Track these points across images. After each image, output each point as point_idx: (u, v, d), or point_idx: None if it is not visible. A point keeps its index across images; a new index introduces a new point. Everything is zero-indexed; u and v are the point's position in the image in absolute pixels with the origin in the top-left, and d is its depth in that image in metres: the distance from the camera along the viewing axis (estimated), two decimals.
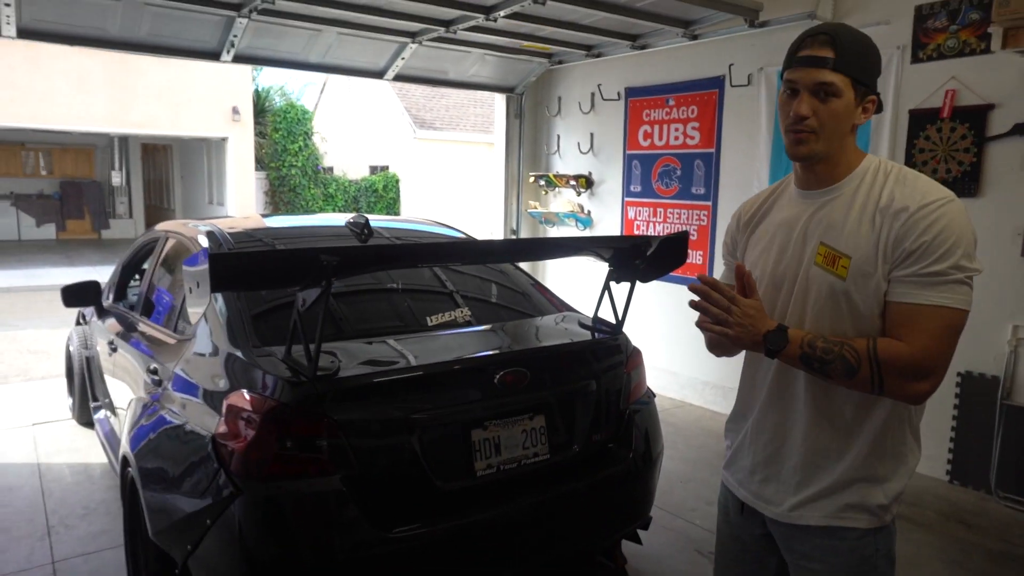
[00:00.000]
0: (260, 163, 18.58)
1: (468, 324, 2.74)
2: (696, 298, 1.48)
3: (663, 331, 5.55)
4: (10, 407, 5.23)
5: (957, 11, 3.97)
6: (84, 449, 4.43)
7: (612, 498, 2.63)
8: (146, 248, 4.07)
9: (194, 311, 2.71)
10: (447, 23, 5.02)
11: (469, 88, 6.91)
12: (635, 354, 2.84)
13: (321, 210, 19.02)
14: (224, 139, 16.64)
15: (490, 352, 2.51)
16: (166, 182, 22.11)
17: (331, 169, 21.49)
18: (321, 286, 1.94)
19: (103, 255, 16.06)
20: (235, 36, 4.84)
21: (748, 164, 5.14)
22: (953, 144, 4.04)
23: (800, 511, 1.54)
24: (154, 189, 22.53)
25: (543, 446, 2.42)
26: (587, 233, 6.44)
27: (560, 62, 6.45)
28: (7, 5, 4.06)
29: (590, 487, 2.52)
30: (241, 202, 16.58)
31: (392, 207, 19.48)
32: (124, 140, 19.69)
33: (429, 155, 19.51)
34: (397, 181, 19.89)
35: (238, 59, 5.18)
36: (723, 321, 1.43)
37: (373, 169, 21.10)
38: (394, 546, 2.07)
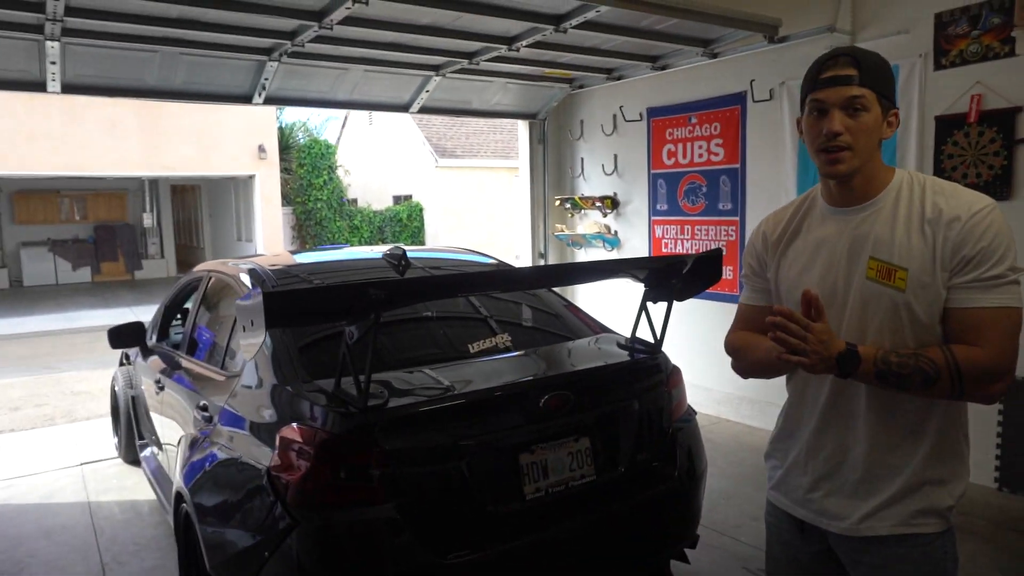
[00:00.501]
0: (286, 198, 18.94)
1: (508, 350, 2.78)
2: (775, 331, 1.44)
3: (696, 347, 5.53)
4: (58, 447, 5.36)
5: (978, 16, 3.98)
6: (132, 487, 4.52)
7: (659, 517, 2.64)
8: (188, 287, 4.18)
9: (243, 348, 2.79)
10: (470, 55, 5.13)
11: (492, 116, 7.03)
12: (675, 372, 2.86)
13: (347, 242, 19.29)
14: (251, 176, 17.03)
15: (533, 377, 2.55)
16: (195, 221, 22.64)
17: (355, 201, 21.83)
18: (370, 319, 2.01)
19: (137, 295, 16.43)
20: (266, 79, 5.00)
21: (774, 177, 5.15)
22: (982, 148, 4.02)
23: (870, 522, 1.54)
24: (184, 228, 23.07)
25: (589, 467, 2.44)
26: (615, 253, 6.48)
27: (581, 86, 6.54)
28: (52, 63, 4.25)
29: (637, 507, 2.53)
30: (269, 237, 16.91)
31: (417, 236, 19.70)
32: (155, 183, 20.24)
33: (451, 183, 19.75)
34: (421, 210, 20.13)
35: (269, 101, 5.33)
36: (800, 351, 1.42)
37: (396, 199, 21.39)
38: (450, 572, 2.10)
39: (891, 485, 1.52)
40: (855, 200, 1.55)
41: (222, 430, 2.62)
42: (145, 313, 4.36)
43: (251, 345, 2.03)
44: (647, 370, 2.73)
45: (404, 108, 6.01)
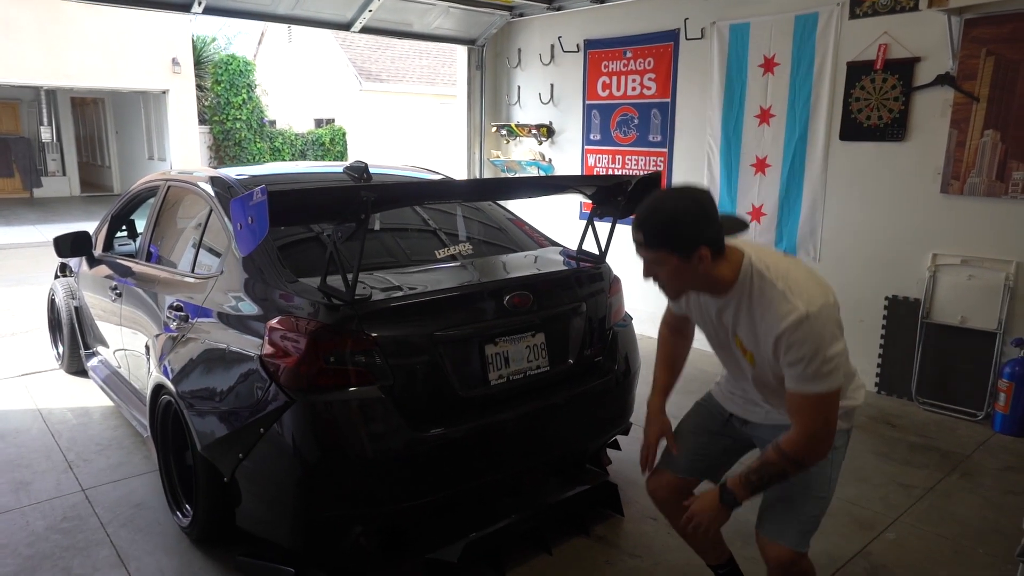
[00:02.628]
0: (202, 117, 18.08)
1: (470, 257, 3.06)
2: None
3: (632, 272, 5.97)
4: None
5: None
6: (80, 395, 4.59)
7: (600, 405, 3.04)
8: (139, 198, 4.21)
9: (219, 249, 2.95)
10: None
11: (432, 40, 7.06)
12: (616, 281, 3.23)
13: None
14: (164, 92, 16.16)
15: (499, 278, 2.85)
16: (99, 138, 21.29)
17: (274, 123, 21.06)
18: (359, 220, 2.24)
19: (40, 214, 15.55)
20: None
21: (701, 113, 5.53)
22: (884, 94, 4.50)
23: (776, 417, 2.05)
24: (87, 145, 21.67)
25: (544, 359, 2.79)
26: None
27: (521, 14, 6.66)
28: None
29: (582, 395, 2.91)
30: (185, 157, 16.23)
31: (341, 160, 19.32)
32: (52, 93, 18.83)
33: (375, 108, 19.34)
34: (344, 134, 19.68)
35: (208, 11, 5.23)
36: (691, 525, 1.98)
37: (318, 122, 20.80)
38: (429, 445, 2.42)
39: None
40: (716, 295, 1.91)
41: (203, 325, 2.81)
42: (51, 233, 4.30)
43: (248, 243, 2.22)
44: (592, 278, 3.08)
45: (346, 27, 5.99)
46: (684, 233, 1.76)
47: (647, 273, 1.86)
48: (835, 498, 3.15)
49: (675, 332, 2.32)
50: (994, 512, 3.24)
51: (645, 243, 1.80)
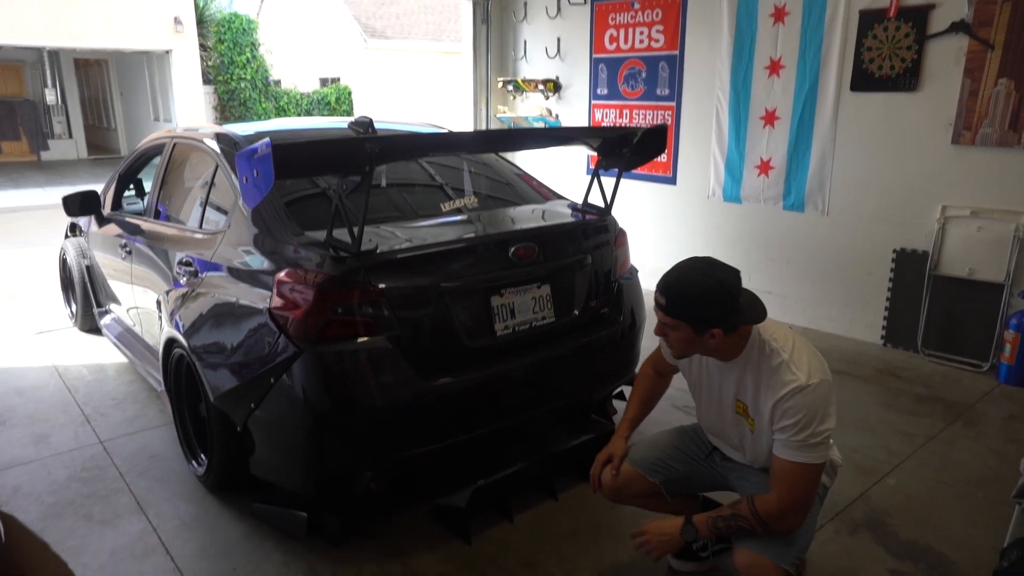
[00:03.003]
0: (206, 77, 17.94)
1: (476, 209, 3.07)
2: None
3: (637, 225, 5.96)
4: (6, 321, 5.38)
5: None
6: (94, 352, 4.67)
7: (605, 356, 3.07)
8: (146, 156, 4.22)
9: (226, 204, 2.97)
10: None
11: None
12: (621, 234, 3.23)
13: None
14: (167, 52, 16.00)
15: (505, 230, 2.86)
16: (104, 100, 21.19)
17: (279, 82, 20.86)
18: (364, 173, 2.25)
19: (48, 176, 15.58)
20: None
21: (710, 65, 5.45)
22: (897, 43, 4.41)
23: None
24: (92, 107, 21.58)
25: (549, 311, 2.82)
26: None
27: None
28: None
29: (588, 346, 2.94)
30: (190, 118, 16.14)
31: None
32: (55, 55, 18.69)
33: (381, 65, 19.11)
34: (349, 93, 19.49)
35: None
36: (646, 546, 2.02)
37: (323, 81, 20.60)
38: (437, 394, 2.46)
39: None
40: (723, 359, 2.01)
41: (212, 280, 2.85)
42: (59, 195, 4.33)
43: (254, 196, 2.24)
44: (598, 230, 3.08)
45: None
46: (703, 315, 1.88)
47: (659, 331, 1.98)
48: (837, 446, 3.20)
49: (658, 374, 2.41)
50: (996, 459, 3.28)
51: (664, 309, 1.92)
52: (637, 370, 3.27)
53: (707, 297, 1.86)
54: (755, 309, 1.92)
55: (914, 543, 2.65)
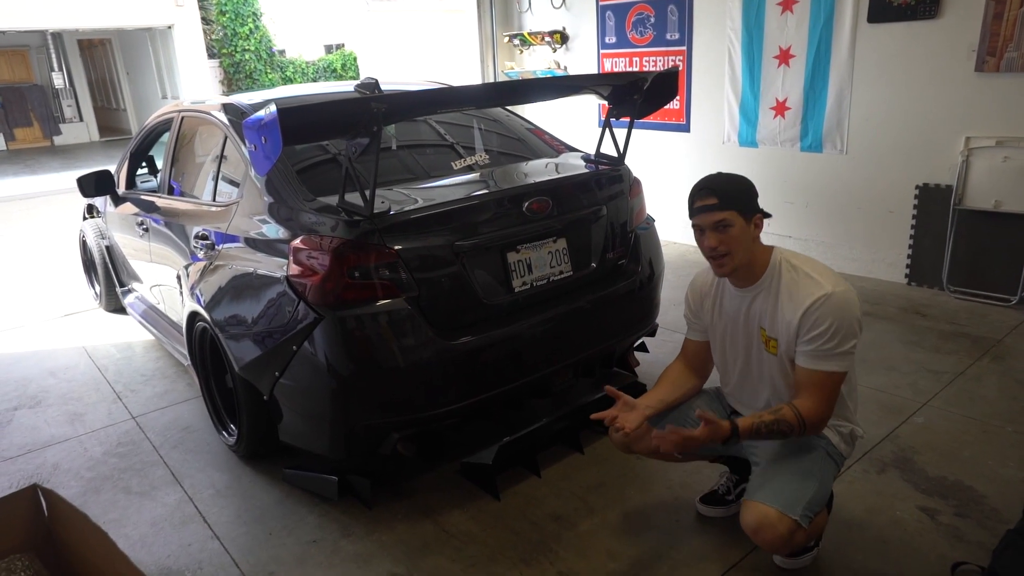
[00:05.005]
0: (211, 51, 17.80)
1: (488, 166, 3.03)
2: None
3: (650, 175, 5.88)
4: (30, 304, 5.47)
5: None
6: (121, 332, 4.75)
7: (625, 308, 3.05)
8: (155, 132, 4.21)
9: (237, 175, 2.96)
10: None
11: None
12: (636, 183, 3.18)
13: None
14: (169, 27, 15.88)
15: (516, 185, 2.82)
16: (111, 80, 21.16)
17: (283, 52, 20.65)
18: (372, 133, 2.22)
19: (63, 161, 15.69)
20: None
21: (720, 5, 5.29)
22: None
23: None
24: (101, 89, 21.58)
25: (567, 264, 2.80)
26: None
27: None
28: None
29: (607, 298, 2.92)
30: (197, 93, 16.08)
31: None
32: (59, 36, 18.65)
33: (385, 27, 18.78)
34: (355, 59, 19.25)
35: None
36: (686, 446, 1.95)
37: (328, 48, 20.37)
38: (458, 353, 2.47)
39: None
40: (746, 284, 2.06)
41: (228, 251, 2.86)
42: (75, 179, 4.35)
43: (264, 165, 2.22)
44: (612, 180, 3.04)
45: None
46: (748, 197, 1.98)
47: (711, 243, 1.96)
48: (863, 387, 3.19)
49: (688, 368, 2.34)
50: None
51: (719, 205, 1.93)
52: (657, 321, 3.28)
53: (743, 184, 2.00)
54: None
55: (943, 479, 2.64)
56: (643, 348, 3.54)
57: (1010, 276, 4.25)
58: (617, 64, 6.17)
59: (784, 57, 4.97)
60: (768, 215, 2.02)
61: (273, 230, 2.63)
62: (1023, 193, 4.12)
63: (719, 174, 2.03)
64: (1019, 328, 3.95)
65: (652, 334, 3.34)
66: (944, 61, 4.26)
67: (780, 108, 5.08)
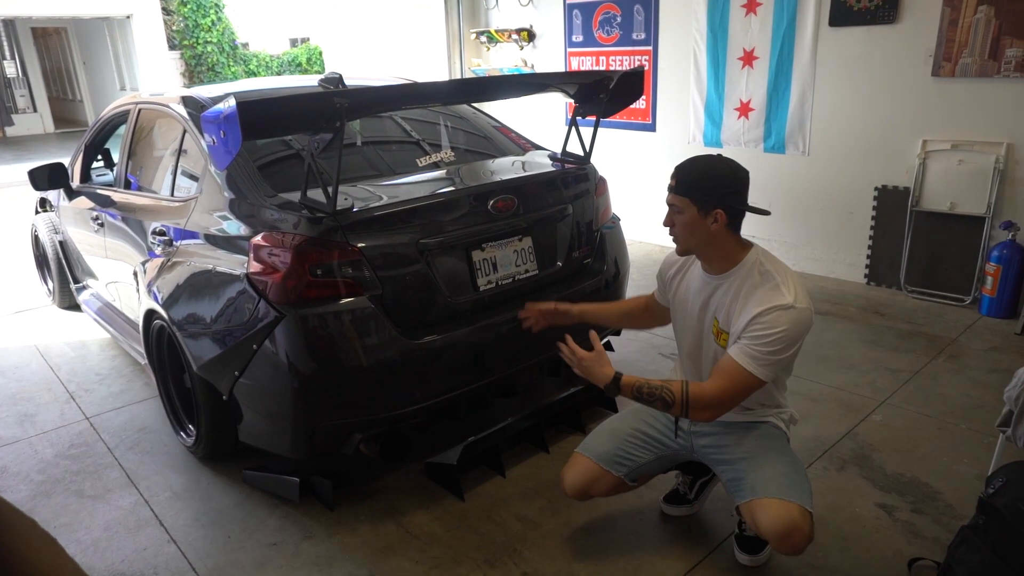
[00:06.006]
0: (171, 42, 17.38)
1: (452, 163, 3.01)
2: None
3: (616, 174, 5.90)
4: None
5: None
6: (75, 329, 4.61)
7: None
8: (111, 124, 4.09)
9: (196, 170, 2.89)
10: None
11: None
12: (602, 182, 3.18)
13: None
14: (128, 16, 15.46)
15: (481, 183, 2.80)
16: (67, 70, 20.54)
17: (247, 45, 20.26)
18: (335, 128, 2.18)
19: (16, 152, 15.18)
20: None
21: (686, 6, 5.33)
22: None
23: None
24: (56, 79, 20.94)
25: (532, 263, 2.79)
26: None
27: None
28: None
29: (572, 297, 2.89)
30: (157, 85, 15.69)
31: None
32: (10, 24, 18.05)
33: (350, 22, 18.57)
34: (320, 53, 18.97)
35: None
36: (571, 362, 2.05)
37: (293, 42, 20.04)
38: (422, 352, 2.44)
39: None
40: (713, 271, 2.04)
41: (187, 248, 2.78)
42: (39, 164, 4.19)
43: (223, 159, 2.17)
44: (577, 178, 3.04)
45: None
46: (709, 189, 1.92)
47: (667, 220, 2.00)
48: (823, 384, 3.24)
49: (646, 307, 2.42)
50: (978, 390, 3.33)
51: (675, 188, 1.95)
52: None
53: (715, 175, 1.93)
54: (760, 208, 1.99)
55: (900, 476, 2.69)
56: (608, 347, 3.55)
57: (964, 277, 4.36)
58: (584, 63, 6.19)
59: (748, 59, 5.03)
60: (740, 211, 1.95)
61: (233, 226, 2.57)
62: (977, 195, 4.23)
63: (700, 158, 2.01)
64: (973, 327, 4.05)
65: (617, 333, 3.35)
66: (902, 65, 4.35)
67: (744, 109, 5.14)
